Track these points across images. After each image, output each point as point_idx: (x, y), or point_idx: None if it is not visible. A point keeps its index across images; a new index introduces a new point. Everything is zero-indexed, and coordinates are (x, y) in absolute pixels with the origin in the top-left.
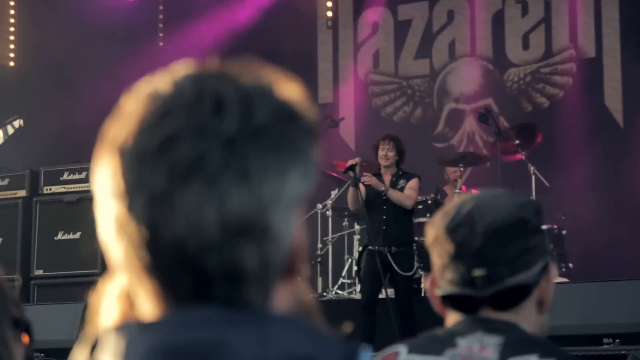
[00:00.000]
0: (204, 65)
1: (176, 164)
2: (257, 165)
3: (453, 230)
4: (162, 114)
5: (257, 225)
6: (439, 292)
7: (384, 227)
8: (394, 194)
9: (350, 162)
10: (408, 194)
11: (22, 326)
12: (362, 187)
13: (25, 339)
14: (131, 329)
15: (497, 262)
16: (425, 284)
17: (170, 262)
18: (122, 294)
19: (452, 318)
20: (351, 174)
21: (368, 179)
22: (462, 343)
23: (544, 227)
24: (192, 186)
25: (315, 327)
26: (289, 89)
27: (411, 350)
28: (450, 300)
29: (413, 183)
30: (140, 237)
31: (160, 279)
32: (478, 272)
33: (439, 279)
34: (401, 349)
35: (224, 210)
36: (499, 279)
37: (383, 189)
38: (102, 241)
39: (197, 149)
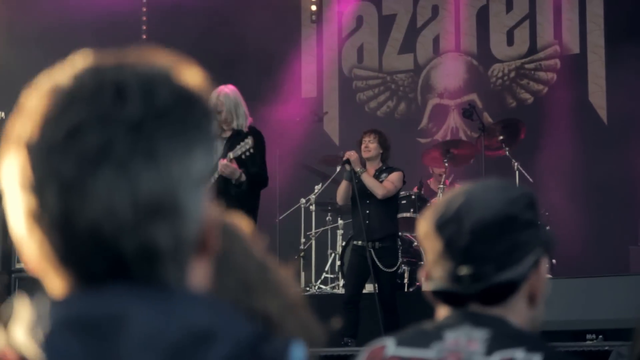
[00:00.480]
0: (102, 56)
1: (84, 152)
2: (163, 146)
3: (441, 227)
4: (66, 106)
5: (168, 204)
6: (429, 287)
7: (367, 222)
8: (367, 179)
9: (347, 155)
10: (384, 184)
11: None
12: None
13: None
14: (43, 304)
15: (483, 260)
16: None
17: (87, 247)
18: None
19: (443, 312)
20: (347, 167)
21: (350, 154)
22: (450, 336)
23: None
24: (102, 172)
25: (224, 305)
26: (187, 73)
27: (399, 344)
28: (439, 295)
29: (393, 176)
30: (54, 226)
31: (77, 265)
32: (464, 271)
33: (430, 273)
34: (389, 342)
35: (136, 192)
36: (485, 277)
37: (359, 169)
38: (15, 236)
39: (103, 135)
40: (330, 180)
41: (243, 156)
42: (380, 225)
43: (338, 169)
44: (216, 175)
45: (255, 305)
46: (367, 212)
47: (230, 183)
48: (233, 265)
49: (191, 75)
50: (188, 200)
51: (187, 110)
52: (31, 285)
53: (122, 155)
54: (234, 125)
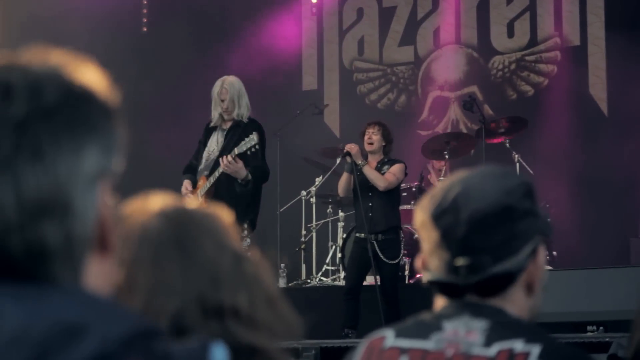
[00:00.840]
0: None
1: None
2: (49, 144)
3: (438, 217)
4: None
5: (57, 202)
6: (426, 277)
7: (370, 214)
8: (369, 172)
9: (347, 148)
10: (385, 176)
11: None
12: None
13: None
14: None
15: (480, 251)
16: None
17: None
18: None
19: (440, 302)
20: (348, 159)
21: (351, 147)
22: (449, 327)
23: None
24: None
25: (104, 301)
26: (82, 71)
27: (398, 335)
28: (437, 286)
29: (394, 167)
30: None
31: None
32: (461, 262)
33: (427, 263)
34: (388, 333)
35: (21, 190)
36: (482, 268)
37: (360, 162)
38: None
39: None
40: (330, 172)
41: (248, 152)
42: (383, 217)
43: (338, 161)
44: (217, 174)
45: (223, 299)
46: (370, 204)
47: (235, 181)
48: (202, 258)
49: (87, 73)
50: (79, 198)
51: (77, 108)
52: None
53: (6, 153)
54: (234, 115)
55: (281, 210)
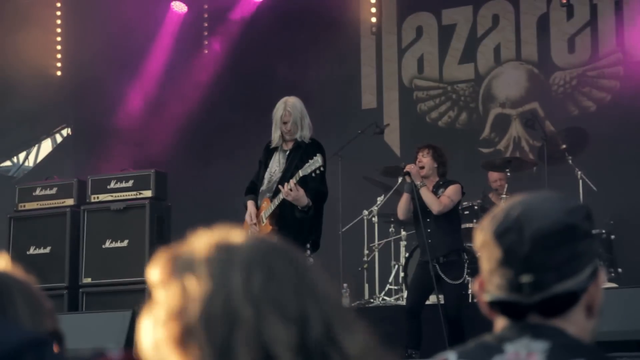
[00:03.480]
0: None
1: None
2: None
3: (501, 235)
4: None
5: None
6: (487, 297)
7: (430, 241)
8: (425, 194)
9: (407, 168)
10: (440, 199)
11: (56, 337)
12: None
13: (55, 348)
14: None
15: (544, 268)
16: (473, 288)
17: None
18: None
19: (501, 323)
20: (407, 179)
21: (411, 167)
22: (510, 349)
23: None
24: None
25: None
26: None
27: (460, 357)
28: (498, 306)
29: (450, 190)
30: None
31: None
32: (525, 279)
33: (487, 284)
34: (450, 355)
35: None
36: (546, 285)
37: (419, 183)
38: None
39: None
40: (392, 191)
41: (313, 174)
42: (443, 242)
43: (400, 180)
44: (281, 197)
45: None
46: (429, 230)
47: (296, 207)
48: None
49: None
50: None
51: None
52: (98, 300)
53: None
54: (297, 136)
55: (343, 230)
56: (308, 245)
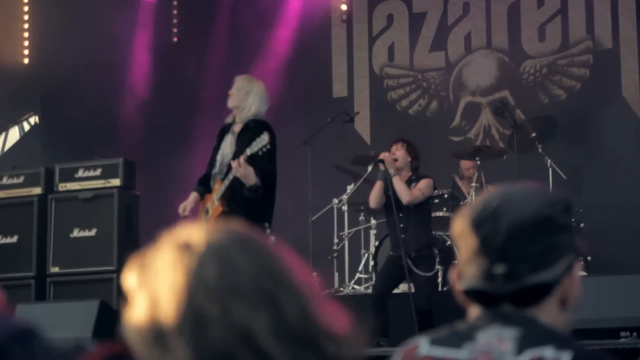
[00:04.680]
0: None
1: None
2: None
3: (478, 224)
4: None
5: None
6: (462, 286)
7: (403, 236)
8: (397, 183)
9: (382, 156)
10: (412, 191)
11: None
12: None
13: None
14: None
15: (519, 259)
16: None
17: None
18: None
19: (474, 312)
20: (381, 166)
21: (385, 155)
22: (482, 337)
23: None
24: None
25: None
26: None
27: (432, 343)
28: (472, 295)
29: (422, 183)
30: None
31: None
32: (499, 269)
33: (463, 272)
34: (422, 342)
35: None
36: (520, 276)
37: (392, 171)
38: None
39: None
40: (362, 180)
41: (260, 152)
42: (416, 237)
43: (369, 168)
44: (231, 176)
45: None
46: (402, 225)
47: (244, 186)
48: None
49: None
50: None
51: None
52: (66, 289)
53: None
54: (244, 116)
55: (313, 218)
56: (267, 224)
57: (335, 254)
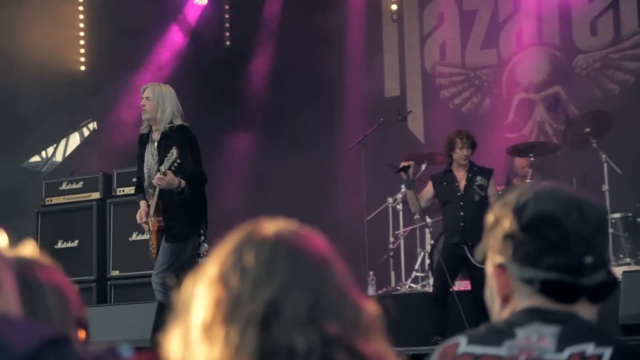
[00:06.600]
0: None
1: None
2: None
3: (561, 216)
4: None
5: None
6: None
7: (462, 224)
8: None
9: (403, 164)
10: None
11: (81, 325)
12: (430, 186)
13: (82, 334)
14: None
15: (602, 252)
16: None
17: None
18: None
19: (511, 309)
20: (403, 175)
21: (410, 163)
22: (521, 334)
23: (619, 215)
24: None
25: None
26: None
27: (471, 341)
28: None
29: (493, 187)
30: None
31: None
32: (588, 259)
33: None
34: (461, 340)
35: None
36: (604, 267)
37: (413, 179)
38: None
39: None
40: (416, 178)
41: (172, 168)
42: (476, 227)
43: (423, 167)
44: (156, 194)
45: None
46: (462, 214)
47: (172, 192)
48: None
49: None
50: None
51: None
52: (126, 292)
53: None
54: (160, 124)
55: (368, 218)
56: (202, 231)
57: (391, 253)
